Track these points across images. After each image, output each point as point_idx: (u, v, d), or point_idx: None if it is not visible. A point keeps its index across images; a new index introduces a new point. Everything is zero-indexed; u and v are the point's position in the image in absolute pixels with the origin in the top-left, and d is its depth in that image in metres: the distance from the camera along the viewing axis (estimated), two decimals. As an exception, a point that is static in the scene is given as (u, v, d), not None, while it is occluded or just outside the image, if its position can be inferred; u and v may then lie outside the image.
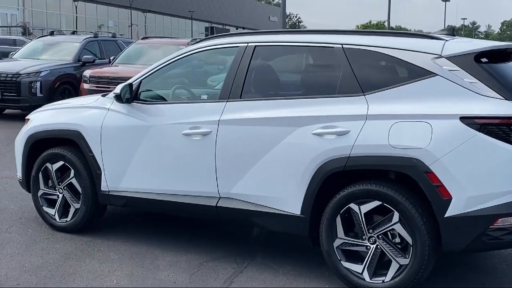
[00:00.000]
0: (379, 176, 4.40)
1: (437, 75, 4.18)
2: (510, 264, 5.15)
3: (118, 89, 5.25)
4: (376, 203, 4.25)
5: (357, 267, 4.39)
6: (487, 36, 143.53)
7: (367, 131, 4.25)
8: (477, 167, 3.99)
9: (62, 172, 5.70)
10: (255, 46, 4.95)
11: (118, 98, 5.25)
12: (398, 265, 4.23)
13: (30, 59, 14.75)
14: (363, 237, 4.35)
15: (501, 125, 3.97)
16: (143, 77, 5.38)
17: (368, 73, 4.50)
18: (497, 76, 4.14)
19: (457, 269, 4.96)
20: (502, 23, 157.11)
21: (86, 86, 13.28)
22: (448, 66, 4.17)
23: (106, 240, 5.52)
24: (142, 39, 15.56)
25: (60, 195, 5.73)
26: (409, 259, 4.18)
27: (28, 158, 5.89)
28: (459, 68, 4.15)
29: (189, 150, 4.99)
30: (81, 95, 13.31)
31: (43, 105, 6.56)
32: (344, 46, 4.55)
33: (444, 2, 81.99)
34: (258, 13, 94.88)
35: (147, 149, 5.18)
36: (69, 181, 5.64)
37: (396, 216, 4.19)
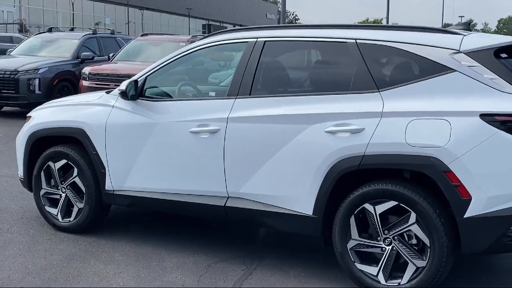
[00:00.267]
0: (393, 175, 4.26)
1: (456, 71, 4.05)
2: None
3: (123, 85, 5.10)
4: (392, 203, 4.12)
5: (371, 269, 4.25)
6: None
7: (382, 129, 4.11)
8: (497, 166, 3.86)
9: (65, 171, 5.56)
10: (265, 41, 4.81)
11: (124, 95, 5.09)
12: (415, 267, 4.10)
13: (28, 56, 14.57)
14: (378, 238, 4.21)
15: (522, 122, 3.83)
16: (148, 73, 5.23)
17: (383, 69, 4.37)
18: (518, 72, 4.01)
19: (472, 270, 4.83)
20: (499, 21, 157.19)
21: (85, 83, 13.14)
22: (467, 61, 4.04)
23: (110, 240, 5.38)
24: (141, 36, 15.41)
25: (63, 195, 5.58)
26: (427, 261, 4.05)
27: (29, 156, 5.73)
28: (478, 64, 4.01)
29: (196, 148, 4.84)
30: (80, 93, 13.17)
31: (41, 102, 6.42)
32: (358, 41, 4.41)
33: (441, 0, 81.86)
34: (255, 10, 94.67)
35: (153, 147, 5.03)
36: (72, 180, 5.49)
37: (413, 217, 4.06)
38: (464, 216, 3.89)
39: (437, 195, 4.04)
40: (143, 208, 5.60)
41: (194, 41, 13.93)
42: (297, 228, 4.55)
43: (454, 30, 4.36)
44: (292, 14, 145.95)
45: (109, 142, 5.22)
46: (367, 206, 4.20)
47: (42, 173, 5.65)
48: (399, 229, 4.13)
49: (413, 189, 4.06)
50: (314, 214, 4.39)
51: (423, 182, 4.13)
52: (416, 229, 4.07)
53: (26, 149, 5.74)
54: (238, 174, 4.69)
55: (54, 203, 5.67)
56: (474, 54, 4.06)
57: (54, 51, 14.90)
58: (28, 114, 5.95)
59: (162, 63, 5.22)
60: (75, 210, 5.53)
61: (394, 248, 4.16)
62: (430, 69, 4.13)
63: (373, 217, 4.19)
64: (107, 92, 5.52)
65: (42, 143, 5.68)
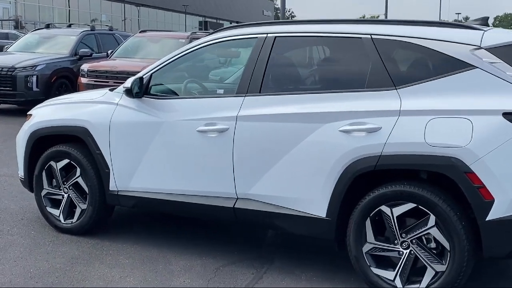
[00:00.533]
0: (409, 176, 4.10)
1: (477, 67, 3.89)
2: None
3: (128, 83, 4.93)
4: (410, 206, 3.96)
5: (388, 274, 4.10)
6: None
7: (400, 128, 3.95)
8: (522, 167, 3.70)
9: (67, 170, 5.38)
10: (275, 36, 4.64)
11: (129, 92, 4.92)
12: (434, 272, 3.94)
13: (26, 53, 14.37)
14: (395, 241, 4.06)
15: (547, 121, 3.68)
16: (153, 70, 5.06)
17: (400, 65, 4.21)
18: (542, 69, 3.85)
19: (488, 273, 4.68)
20: (495, 18, 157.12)
21: (84, 80, 12.94)
22: (488, 58, 3.88)
23: (114, 242, 5.21)
24: (140, 32, 15.21)
25: (65, 195, 5.41)
26: (446, 265, 3.90)
27: (30, 156, 5.56)
28: (500, 60, 3.86)
29: (204, 148, 4.68)
30: (78, 90, 12.99)
31: (39, 99, 6.25)
32: (373, 36, 4.25)
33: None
34: (251, 7, 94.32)
35: (159, 146, 4.87)
36: (75, 180, 5.32)
37: (432, 220, 3.90)
38: (486, 219, 3.73)
39: (457, 197, 3.88)
40: (148, 209, 5.42)
41: (194, 38, 13.92)
42: (309, 230, 4.39)
43: (474, 25, 4.20)
44: (288, 11, 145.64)
45: (113, 141, 5.05)
46: (384, 208, 4.04)
47: (44, 173, 5.48)
48: (417, 232, 3.97)
49: (433, 190, 3.91)
50: (327, 217, 4.23)
51: (441, 183, 3.98)
52: (435, 232, 3.92)
53: (26, 148, 5.57)
54: (248, 175, 4.53)
55: (56, 204, 5.50)
56: (495, 50, 3.90)
57: (51, 48, 14.70)
58: (29, 113, 5.77)
59: (168, 59, 5.05)
60: (77, 211, 5.36)
61: (412, 252, 4.01)
62: (450, 65, 3.98)
63: (390, 219, 4.03)
64: (111, 90, 5.34)
65: (44, 142, 5.50)
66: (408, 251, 4.02)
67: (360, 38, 4.30)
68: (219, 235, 5.51)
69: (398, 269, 4.05)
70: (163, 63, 5.07)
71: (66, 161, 5.33)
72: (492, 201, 3.71)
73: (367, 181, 4.17)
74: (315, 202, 4.27)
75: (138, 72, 12.41)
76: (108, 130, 5.05)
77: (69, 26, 17.87)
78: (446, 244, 3.88)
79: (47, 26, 16.25)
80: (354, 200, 4.19)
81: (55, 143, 5.45)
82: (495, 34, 4.09)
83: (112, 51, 14.23)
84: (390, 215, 4.02)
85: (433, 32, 4.12)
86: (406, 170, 4.07)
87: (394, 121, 3.98)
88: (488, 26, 4.40)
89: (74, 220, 5.36)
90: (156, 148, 4.88)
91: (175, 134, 4.80)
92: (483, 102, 3.80)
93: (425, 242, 3.99)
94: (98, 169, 5.17)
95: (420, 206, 3.93)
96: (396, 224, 4.02)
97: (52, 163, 5.41)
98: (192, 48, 5.02)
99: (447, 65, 3.99)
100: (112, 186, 5.11)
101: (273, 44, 4.61)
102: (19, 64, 13.09)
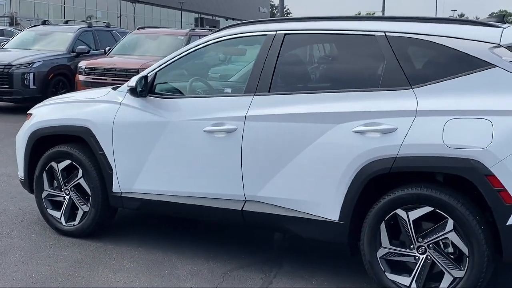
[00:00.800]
0: (424, 178, 3.97)
1: (496, 66, 3.75)
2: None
3: (132, 81, 4.77)
4: (427, 209, 3.82)
5: (403, 280, 3.96)
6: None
7: (417, 129, 3.81)
8: (544, 169, 3.57)
9: (69, 171, 5.23)
10: (285, 34, 4.49)
11: (133, 91, 4.76)
12: (452, 278, 3.81)
13: (22, 50, 14.16)
14: (411, 246, 3.92)
15: None
16: (158, 68, 4.90)
17: (416, 64, 4.07)
18: None
19: (508, 277, 4.55)
20: (490, 15, 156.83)
21: (81, 77, 12.77)
22: (509, 56, 3.75)
23: (117, 246, 5.07)
24: (138, 29, 15.03)
25: (67, 197, 5.26)
26: (465, 271, 3.76)
27: (31, 156, 5.40)
28: None
29: (211, 149, 4.54)
30: (76, 87, 12.82)
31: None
32: (387, 34, 4.11)
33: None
34: (247, 4, 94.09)
35: (164, 147, 4.72)
36: (77, 181, 5.17)
37: (450, 224, 3.76)
38: (507, 223, 3.60)
39: (476, 200, 3.75)
40: (153, 211, 5.27)
41: (192, 35, 13.76)
42: (321, 234, 4.26)
43: (492, 23, 4.07)
44: (284, 8, 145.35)
45: (116, 141, 4.90)
46: (400, 212, 3.91)
47: (44, 174, 5.33)
48: (434, 236, 3.84)
49: (451, 193, 3.77)
50: (340, 220, 4.10)
51: (458, 186, 3.84)
52: (453, 237, 3.78)
53: (27, 149, 5.41)
54: (257, 176, 4.39)
55: (57, 205, 5.35)
56: None
57: (48, 45, 14.51)
58: (29, 112, 5.61)
59: (174, 57, 4.90)
60: (79, 213, 5.21)
61: (429, 257, 3.87)
62: (468, 64, 3.84)
63: (406, 223, 3.89)
64: (114, 89, 5.19)
65: (44, 142, 5.35)
66: (424, 256, 3.88)
67: (374, 35, 4.15)
68: (225, 238, 5.37)
69: (414, 275, 3.91)
70: (168, 61, 4.92)
71: (67, 162, 5.18)
72: (513, 205, 3.57)
73: (381, 184, 4.04)
74: (327, 205, 4.14)
75: (137, 69, 12.41)
76: (112, 130, 4.90)
77: (66, 22, 17.66)
78: (465, 249, 3.75)
79: (44, 23, 16.05)
80: (368, 203, 4.06)
81: (56, 143, 5.29)
82: (515, 31, 3.95)
83: (110, 48, 14.05)
84: (406, 219, 3.89)
85: (450, 30, 3.99)
86: (421, 172, 3.93)
87: (411, 121, 3.84)
88: (505, 23, 4.27)
89: (76, 222, 5.21)
90: (161, 149, 4.73)
91: (181, 135, 4.65)
92: (503, 102, 3.67)
93: (442, 247, 3.86)
94: (101, 170, 5.02)
95: (437, 210, 3.79)
96: (413, 228, 3.88)
97: (53, 164, 5.25)
98: (198, 46, 4.87)
99: (465, 64, 3.86)
100: (115, 188, 4.96)
101: (282, 41, 4.47)
102: (16, 61, 12.91)
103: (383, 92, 4.00)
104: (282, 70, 4.48)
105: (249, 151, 4.38)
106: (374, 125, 3.94)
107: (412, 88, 3.92)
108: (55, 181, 5.34)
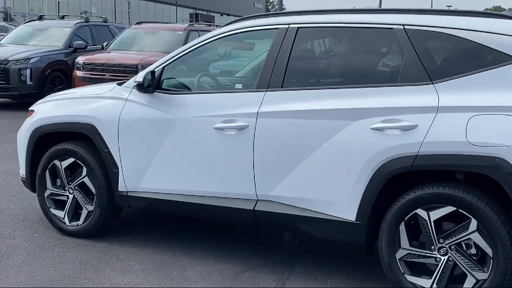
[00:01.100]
0: (443, 176, 3.83)
1: (521, 60, 3.61)
2: None
3: (140, 77, 4.60)
4: (449, 209, 3.68)
5: (424, 282, 3.82)
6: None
7: (439, 126, 3.67)
8: None
9: (73, 170, 5.07)
10: (298, 27, 4.34)
11: (141, 87, 4.60)
12: (475, 280, 3.67)
13: (19, 45, 13.96)
14: (432, 247, 3.78)
15: None
16: (165, 63, 4.74)
17: (436, 58, 3.92)
18: None
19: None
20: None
21: (79, 73, 12.60)
22: None
23: (123, 246, 4.91)
24: (136, 24, 14.84)
25: (71, 196, 5.10)
26: (489, 273, 3.62)
27: (33, 154, 5.23)
28: None
29: (222, 146, 4.38)
30: (73, 83, 12.65)
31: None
32: (406, 27, 3.96)
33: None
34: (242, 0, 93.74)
35: (173, 144, 4.57)
36: (81, 180, 5.01)
37: (473, 224, 3.62)
38: (533, 224, 3.47)
39: (500, 200, 3.62)
40: (160, 211, 5.11)
41: (192, 30, 13.58)
42: (337, 235, 4.11)
43: (515, 16, 3.92)
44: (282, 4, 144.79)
45: (122, 139, 4.74)
46: (420, 212, 3.76)
47: (47, 173, 5.16)
48: (457, 237, 3.69)
49: (474, 193, 3.63)
50: (357, 220, 3.95)
51: (481, 185, 3.71)
52: (476, 238, 3.64)
53: (29, 146, 5.24)
54: (269, 175, 4.24)
55: (60, 205, 5.19)
56: None
57: (45, 40, 14.32)
58: (30, 108, 5.44)
59: (181, 52, 4.74)
60: (84, 212, 5.05)
61: (451, 258, 3.73)
62: (492, 58, 3.70)
63: (427, 224, 3.75)
64: (119, 84, 5.02)
65: (47, 140, 5.18)
66: (446, 257, 3.74)
67: (392, 28, 4.00)
68: (233, 237, 5.22)
69: (435, 277, 3.77)
70: (175, 56, 4.76)
71: (71, 160, 5.02)
72: (539, 205, 3.44)
73: (400, 183, 3.90)
74: (343, 205, 3.99)
75: (136, 65, 12.22)
76: (117, 127, 4.74)
77: (62, 17, 17.43)
78: (489, 250, 3.61)
79: (40, 18, 15.82)
80: (386, 202, 3.91)
81: (59, 140, 5.13)
82: (540, 24, 3.81)
83: (108, 44, 13.86)
84: (426, 219, 3.74)
85: (472, 23, 3.84)
86: (441, 170, 3.79)
87: (432, 118, 3.70)
88: (526, 16, 4.12)
89: (80, 222, 5.06)
90: (169, 147, 4.58)
91: (190, 132, 4.50)
92: (530, 98, 3.53)
93: (464, 248, 3.72)
94: (106, 169, 4.86)
95: (460, 210, 3.65)
96: (434, 229, 3.74)
97: (56, 162, 5.09)
98: (206, 40, 4.71)
99: (489, 58, 3.72)
100: (121, 187, 4.81)
101: (295, 35, 4.32)
102: (12, 56, 12.72)
103: (402, 88, 3.86)
104: (296, 65, 4.33)
105: (261, 148, 4.23)
106: (393, 121, 3.79)
107: (432, 83, 3.78)
108: (58, 180, 5.18)
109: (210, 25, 15.92)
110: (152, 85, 4.63)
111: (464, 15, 3.95)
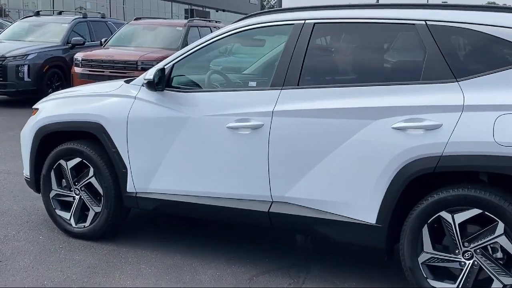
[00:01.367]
0: (467, 178, 3.69)
1: (550, 57, 3.48)
2: None
3: (150, 74, 4.45)
4: (475, 212, 3.55)
5: (448, 287, 3.69)
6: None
7: (464, 125, 3.54)
8: None
9: (79, 170, 4.92)
10: (315, 23, 4.20)
11: (151, 85, 4.45)
12: (502, 285, 3.54)
13: (16, 41, 13.76)
14: (456, 251, 3.64)
15: None
16: (175, 60, 4.59)
17: (461, 55, 3.79)
18: None
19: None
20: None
21: (77, 70, 12.42)
22: None
23: (132, 248, 4.77)
24: (135, 20, 14.66)
25: (77, 197, 4.95)
26: (516, 278, 3.50)
27: (37, 153, 5.08)
28: None
29: (235, 146, 4.24)
30: (72, 80, 12.48)
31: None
32: (428, 22, 3.82)
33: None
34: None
35: (183, 144, 4.42)
36: (88, 180, 4.86)
37: (500, 227, 3.49)
38: None
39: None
40: (170, 212, 4.96)
41: (192, 26, 13.41)
42: (356, 238, 3.98)
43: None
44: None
45: (131, 138, 4.60)
46: (444, 214, 3.63)
47: (52, 173, 5.01)
48: (483, 241, 3.56)
49: (501, 195, 3.50)
50: (378, 223, 3.82)
51: (505, 187, 3.58)
52: (503, 241, 3.51)
53: (33, 146, 5.08)
54: (285, 176, 4.11)
55: (66, 206, 5.03)
56: None
57: (42, 36, 14.13)
58: (35, 106, 5.28)
59: (192, 48, 4.60)
60: (91, 214, 4.90)
61: (476, 262, 3.60)
62: None
63: (451, 227, 3.62)
64: (127, 82, 4.87)
65: (52, 139, 5.03)
66: (471, 261, 3.61)
67: (414, 24, 3.86)
68: (246, 239, 5.07)
69: (460, 282, 3.64)
70: (185, 52, 4.61)
71: (77, 159, 4.87)
72: None
73: (422, 184, 3.76)
74: (363, 207, 3.86)
75: (136, 61, 12.04)
76: (126, 126, 4.60)
77: (60, 13, 17.23)
78: (516, 255, 3.49)
79: (37, 14, 15.62)
80: (408, 204, 3.78)
81: (65, 140, 4.98)
82: None
83: (106, 40, 13.69)
84: (451, 222, 3.61)
85: (498, 18, 3.70)
86: (465, 172, 3.66)
87: (457, 117, 3.56)
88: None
89: (87, 224, 4.91)
90: (180, 146, 4.43)
91: (202, 131, 4.36)
92: (560, 96, 3.40)
93: (490, 251, 3.59)
94: (114, 169, 4.71)
95: (486, 212, 3.52)
96: (458, 232, 3.61)
97: (62, 162, 4.94)
98: (216, 37, 4.57)
99: (515, 55, 3.58)
100: (130, 187, 4.66)
101: (312, 31, 4.17)
102: (10, 53, 12.53)
103: (425, 86, 3.72)
104: (312, 62, 4.18)
105: (276, 148, 4.10)
106: (416, 121, 3.66)
107: (457, 81, 3.65)
108: (63, 180, 5.03)
109: (210, 21, 15.73)
110: (162, 83, 4.48)
111: (488, 10, 3.81)
